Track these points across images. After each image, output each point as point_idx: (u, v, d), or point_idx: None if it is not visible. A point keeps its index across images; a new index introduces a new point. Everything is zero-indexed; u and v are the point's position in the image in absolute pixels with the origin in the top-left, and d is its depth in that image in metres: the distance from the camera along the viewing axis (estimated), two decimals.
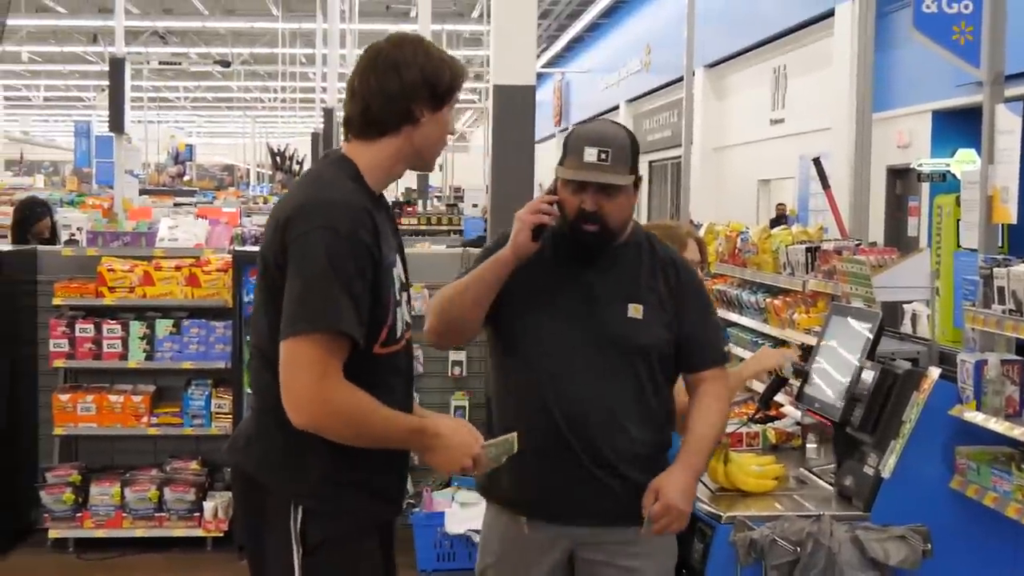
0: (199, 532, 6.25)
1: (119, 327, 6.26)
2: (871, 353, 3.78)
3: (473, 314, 3.04)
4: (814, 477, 4.09)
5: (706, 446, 3.14)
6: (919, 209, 14.39)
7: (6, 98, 36.00)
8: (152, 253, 6.39)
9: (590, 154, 2.95)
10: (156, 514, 6.24)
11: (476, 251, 6.85)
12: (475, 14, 26.84)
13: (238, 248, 6.33)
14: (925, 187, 13.96)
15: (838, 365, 3.98)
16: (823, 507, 3.76)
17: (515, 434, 2.80)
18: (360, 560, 2.68)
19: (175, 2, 25.05)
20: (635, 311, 3.04)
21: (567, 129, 33.93)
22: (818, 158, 7.88)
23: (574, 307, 3.07)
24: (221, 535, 6.26)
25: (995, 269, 3.31)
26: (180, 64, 29.99)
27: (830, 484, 3.97)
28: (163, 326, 6.28)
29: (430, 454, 2.64)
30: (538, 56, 33.88)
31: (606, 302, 3.06)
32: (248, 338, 4.22)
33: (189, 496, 6.26)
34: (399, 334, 2.70)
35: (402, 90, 2.64)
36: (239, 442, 2.77)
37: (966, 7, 3.64)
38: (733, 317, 6.06)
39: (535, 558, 3.12)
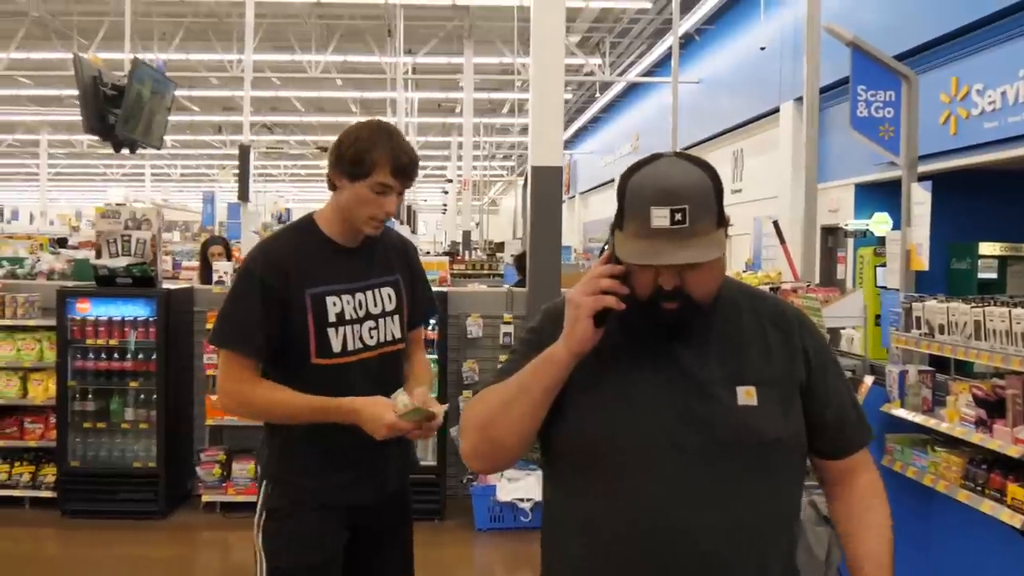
0: None
1: None
2: None
3: (520, 433, 1.73)
4: None
5: (890, 564, 1.79)
6: (845, 258, 14.41)
7: (153, 174, 36.51)
8: None
9: (659, 217, 1.60)
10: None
11: (519, 291, 7.05)
12: (504, 110, 27.11)
13: None
14: (850, 242, 14.00)
15: None
16: None
17: (429, 408, 2.48)
18: (307, 530, 2.60)
19: (278, 102, 25.40)
20: (747, 395, 1.70)
21: (573, 197, 34.34)
22: (776, 221, 7.99)
23: (664, 397, 1.70)
24: None
25: (914, 303, 3.43)
26: (282, 148, 30.39)
27: None
28: None
29: (361, 425, 2.49)
30: None
31: (704, 384, 1.70)
32: None
33: None
34: (337, 351, 2.60)
35: (330, 160, 2.62)
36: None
37: (888, 112, 3.76)
38: None
39: None
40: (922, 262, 3.65)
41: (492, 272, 13.90)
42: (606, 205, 23.52)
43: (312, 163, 38.22)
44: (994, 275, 12.07)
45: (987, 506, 2.88)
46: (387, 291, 2.72)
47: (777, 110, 16.00)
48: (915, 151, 3.72)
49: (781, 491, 1.72)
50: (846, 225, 13.81)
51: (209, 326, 6.41)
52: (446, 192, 32.96)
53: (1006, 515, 2.75)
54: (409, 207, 19.91)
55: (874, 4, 12.79)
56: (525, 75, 20.15)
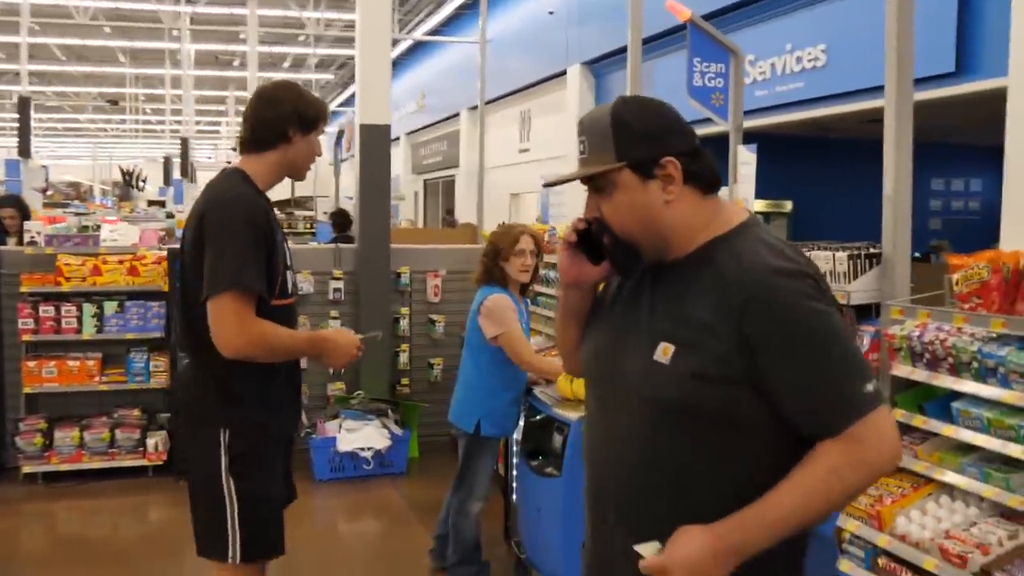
0: (143, 462, 6.27)
1: (75, 308, 6.18)
2: None
3: (566, 345, 2.01)
4: None
5: (782, 523, 1.61)
6: None
7: None
8: (98, 251, 6.33)
9: (578, 147, 1.79)
10: (109, 450, 6.24)
11: (348, 247, 7.19)
12: (286, 64, 26.44)
13: (170, 247, 6.36)
14: None
15: None
16: None
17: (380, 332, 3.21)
18: (268, 462, 2.83)
19: (35, 50, 23.44)
20: (663, 353, 1.68)
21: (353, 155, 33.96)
22: None
23: (605, 340, 1.86)
24: (161, 463, 6.32)
25: None
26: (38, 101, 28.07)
27: None
28: (110, 306, 6.23)
29: (327, 357, 2.88)
30: (334, 99, 33.62)
31: (646, 335, 1.74)
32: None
33: (135, 436, 6.28)
34: (289, 291, 2.85)
35: (279, 116, 2.82)
36: (183, 382, 2.94)
37: (719, 82, 4.23)
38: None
39: None
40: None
41: (299, 231, 13.72)
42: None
43: (68, 116, 35.57)
44: None
45: None
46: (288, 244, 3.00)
47: (564, 72, 16.68)
48: (740, 117, 4.23)
49: (683, 452, 1.69)
50: None
51: (23, 289, 6.12)
52: (224, 148, 31.69)
53: None
54: (192, 164, 19.17)
55: None
56: (311, 29, 19.77)
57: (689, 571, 1.58)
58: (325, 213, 11.25)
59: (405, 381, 7.13)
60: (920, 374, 2.97)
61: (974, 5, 8.51)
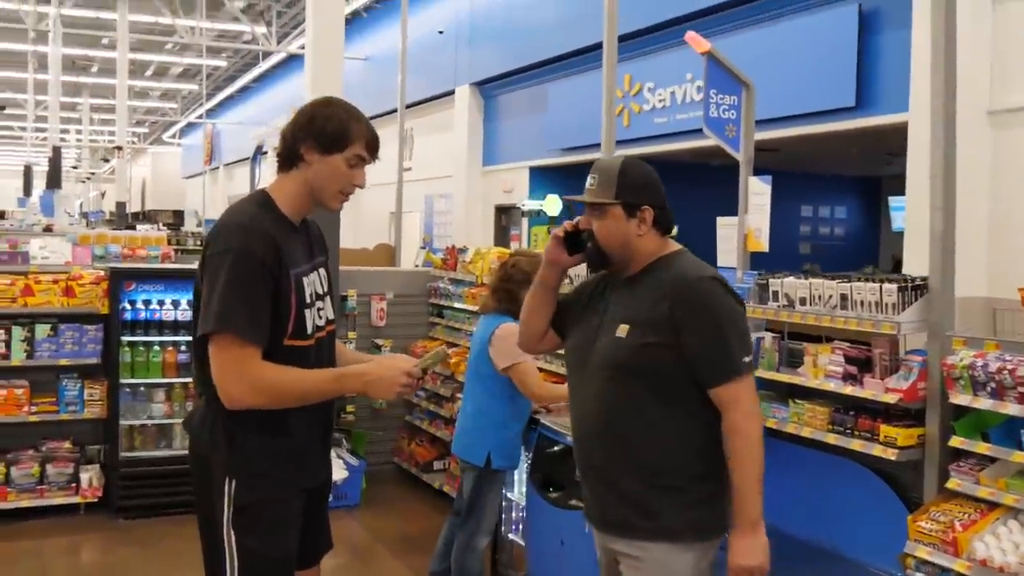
0: (76, 499, 5.81)
1: (2, 332, 5.67)
2: None
3: (535, 316, 2.82)
4: None
5: (746, 492, 2.47)
6: (520, 237, 15.41)
7: None
8: (28, 269, 5.83)
9: (589, 181, 2.64)
10: (38, 487, 5.73)
11: None
12: (148, 73, 25.29)
13: (115, 266, 5.92)
14: (525, 220, 14.98)
15: None
16: None
17: (443, 347, 2.80)
18: (279, 518, 2.56)
19: None
20: (621, 331, 2.55)
21: (216, 168, 32.84)
22: (569, 201, 8.26)
23: (588, 330, 2.68)
24: (95, 500, 5.86)
25: (770, 279, 3.97)
26: None
27: None
28: (42, 330, 5.74)
29: (369, 389, 2.52)
30: (192, 111, 32.33)
31: (608, 324, 2.61)
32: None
33: (68, 470, 5.81)
34: (309, 332, 2.56)
35: (294, 133, 2.56)
36: (194, 421, 2.65)
37: (732, 114, 4.30)
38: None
39: (600, 557, 2.81)
40: (761, 244, 4.25)
41: (189, 248, 12.97)
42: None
43: None
44: None
45: (857, 444, 3.49)
46: (323, 272, 2.73)
47: (452, 92, 16.64)
48: (751, 148, 4.30)
49: (640, 400, 2.53)
50: (522, 205, 14.82)
51: None
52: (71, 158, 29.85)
53: (878, 450, 3.38)
54: (29, 167, 17.92)
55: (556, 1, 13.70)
56: (181, 37, 18.96)
57: (749, 555, 2.46)
58: None
59: (351, 408, 6.89)
60: (983, 402, 3.10)
61: (873, 43, 9.03)
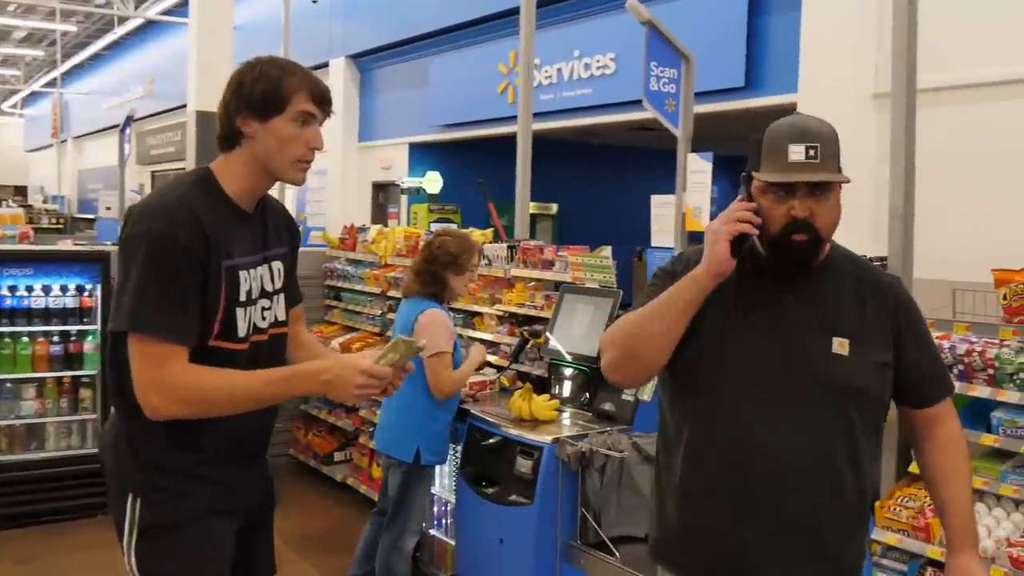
0: None
1: None
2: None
3: (662, 345, 1.98)
4: (566, 407, 4.19)
5: (971, 509, 2.11)
6: (397, 215, 14.99)
7: None
8: None
9: (796, 152, 1.91)
10: None
11: None
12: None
13: None
14: (404, 198, 14.60)
15: (582, 325, 4.29)
16: (598, 425, 3.86)
17: (401, 337, 2.14)
18: (191, 545, 2.21)
19: None
20: (840, 346, 1.96)
21: (65, 141, 30.80)
22: (482, 181, 7.95)
23: (769, 338, 1.98)
24: None
25: None
26: None
27: (581, 410, 4.14)
28: None
29: (327, 390, 2.13)
30: (36, 79, 30.17)
31: (804, 332, 1.98)
32: None
33: None
34: (241, 334, 2.21)
35: (226, 107, 2.22)
36: (104, 429, 2.34)
37: (672, 88, 4.14)
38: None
39: None
40: (700, 223, 4.11)
41: (44, 226, 11.99)
42: (108, 152, 21.28)
43: None
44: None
45: None
46: (277, 265, 2.37)
47: (326, 65, 16.02)
48: (691, 124, 4.15)
49: (855, 433, 1.96)
50: (401, 182, 14.39)
51: None
52: None
53: None
54: None
55: None
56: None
57: None
58: (108, 208, 9.87)
59: None
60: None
61: (763, 24, 9.11)
